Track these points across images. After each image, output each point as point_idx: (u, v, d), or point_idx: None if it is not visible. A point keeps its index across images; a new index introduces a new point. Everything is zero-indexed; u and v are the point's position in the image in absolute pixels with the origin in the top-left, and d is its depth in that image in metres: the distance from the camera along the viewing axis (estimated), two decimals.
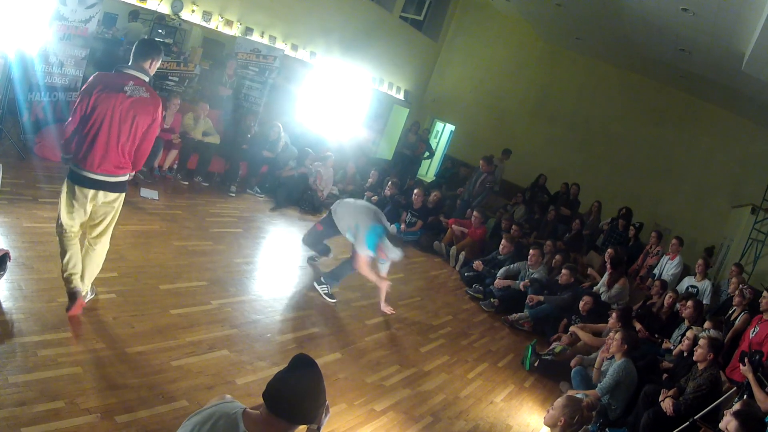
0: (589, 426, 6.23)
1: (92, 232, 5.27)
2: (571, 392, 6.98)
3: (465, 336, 8.58)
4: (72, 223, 5.09)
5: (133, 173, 5.34)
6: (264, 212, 11.04)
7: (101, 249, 5.35)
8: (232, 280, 7.32)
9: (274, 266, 8.68)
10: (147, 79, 5.03)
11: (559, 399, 4.93)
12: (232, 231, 9.23)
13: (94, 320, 5.13)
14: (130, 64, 5.01)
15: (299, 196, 12.21)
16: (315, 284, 8.10)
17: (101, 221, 5.24)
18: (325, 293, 7.94)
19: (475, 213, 12.77)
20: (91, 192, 5.01)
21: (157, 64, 5.18)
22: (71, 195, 4.99)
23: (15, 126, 9.02)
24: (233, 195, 11.18)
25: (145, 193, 9.24)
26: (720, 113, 16.41)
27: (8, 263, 5.29)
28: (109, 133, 4.83)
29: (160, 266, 6.87)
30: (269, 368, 5.44)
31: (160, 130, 5.34)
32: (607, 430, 6.51)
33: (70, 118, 4.82)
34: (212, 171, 11.55)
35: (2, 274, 5.19)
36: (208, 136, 11.06)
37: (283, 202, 11.83)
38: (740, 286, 8.97)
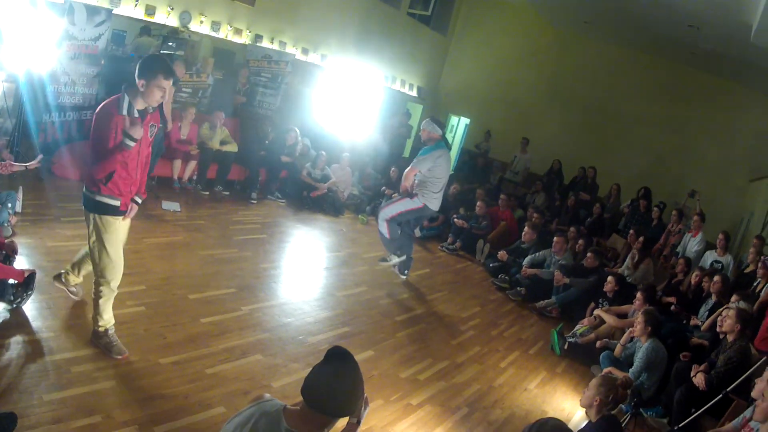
0: (624, 405, 6.23)
1: None
2: (606, 370, 6.99)
3: (494, 326, 8.60)
4: None
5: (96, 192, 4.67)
6: (287, 217, 11.09)
7: None
8: (260, 285, 7.38)
9: (301, 269, 8.72)
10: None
11: (593, 379, 4.94)
12: (256, 237, 9.28)
13: (126, 333, 5.15)
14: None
15: (320, 198, 12.25)
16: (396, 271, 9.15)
17: None
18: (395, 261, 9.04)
19: (502, 195, 12.92)
20: None
21: (155, 84, 4.54)
22: None
23: (31, 148, 9.08)
24: (254, 202, 11.25)
25: (167, 205, 9.30)
26: (733, 87, 16.29)
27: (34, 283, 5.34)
28: None
29: (187, 276, 6.92)
30: (303, 370, 5.41)
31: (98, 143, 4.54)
32: (641, 409, 6.51)
33: None
34: (232, 179, 11.61)
35: (30, 294, 5.23)
36: (225, 144, 11.11)
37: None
38: (762, 257, 8.93)
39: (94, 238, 4.76)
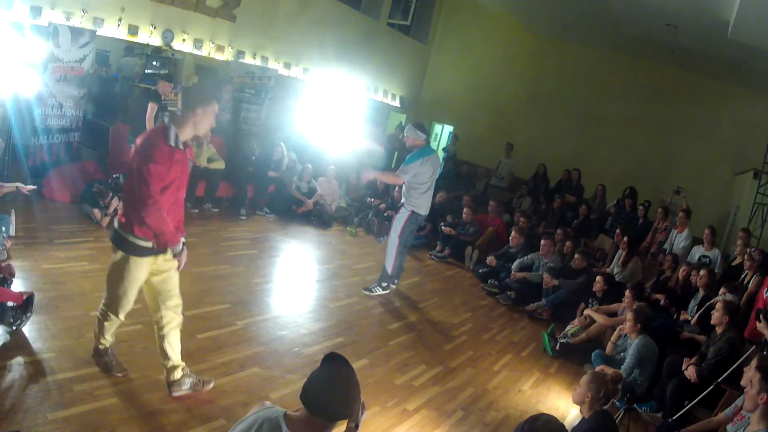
0: (616, 401, 6.31)
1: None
2: (599, 368, 7.07)
3: (486, 330, 8.69)
4: None
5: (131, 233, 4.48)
6: (276, 231, 11.17)
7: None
8: (253, 300, 7.46)
9: (293, 283, 8.81)
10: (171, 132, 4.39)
11: (584, 376, 5.02)
12: (247, 253, 9.36)
13: (125, 351, 5.21)
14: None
15: (308, 211, 12.35)
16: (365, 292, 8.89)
17: None
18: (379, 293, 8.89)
19: (491, 202, 13.08)
20: None
21: (212, 110, 4.61)
22: None
23: (20, 172, 9.10)
24: (244, 218, 11.33)
25: None
26: (713, 84, 16.46)
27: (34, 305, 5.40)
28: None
29: (181, 293, 6.89)
30: (300, 380, 5.36)
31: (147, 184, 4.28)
32: (635, 405, 6.59)
33: None
34: (220, 196, 11.69)
35: (29, 316, 5.28)
36: (213, 162, 11.18)
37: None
38: (747, 249, 9.07)
39: (116, 270, 4.60)
